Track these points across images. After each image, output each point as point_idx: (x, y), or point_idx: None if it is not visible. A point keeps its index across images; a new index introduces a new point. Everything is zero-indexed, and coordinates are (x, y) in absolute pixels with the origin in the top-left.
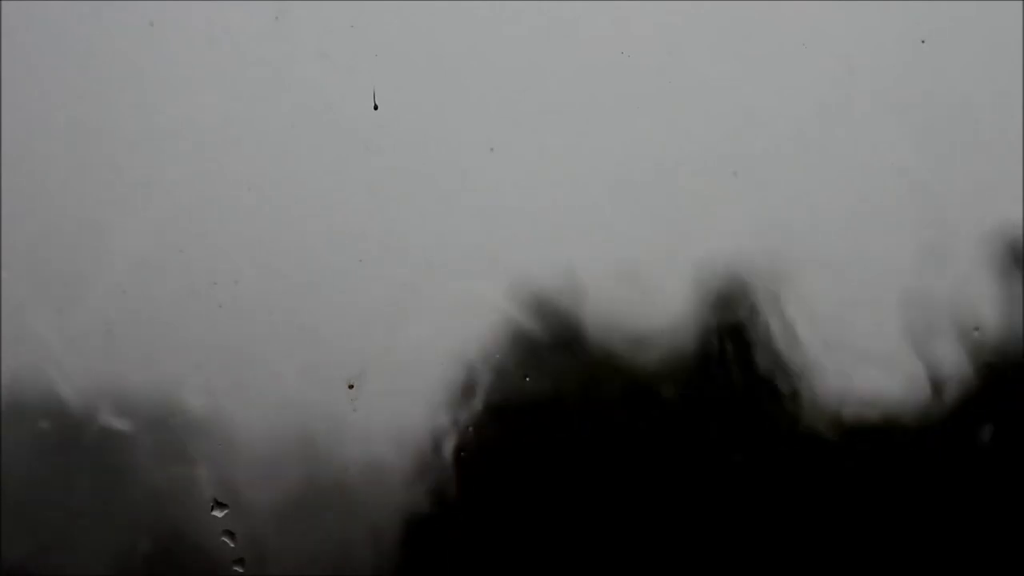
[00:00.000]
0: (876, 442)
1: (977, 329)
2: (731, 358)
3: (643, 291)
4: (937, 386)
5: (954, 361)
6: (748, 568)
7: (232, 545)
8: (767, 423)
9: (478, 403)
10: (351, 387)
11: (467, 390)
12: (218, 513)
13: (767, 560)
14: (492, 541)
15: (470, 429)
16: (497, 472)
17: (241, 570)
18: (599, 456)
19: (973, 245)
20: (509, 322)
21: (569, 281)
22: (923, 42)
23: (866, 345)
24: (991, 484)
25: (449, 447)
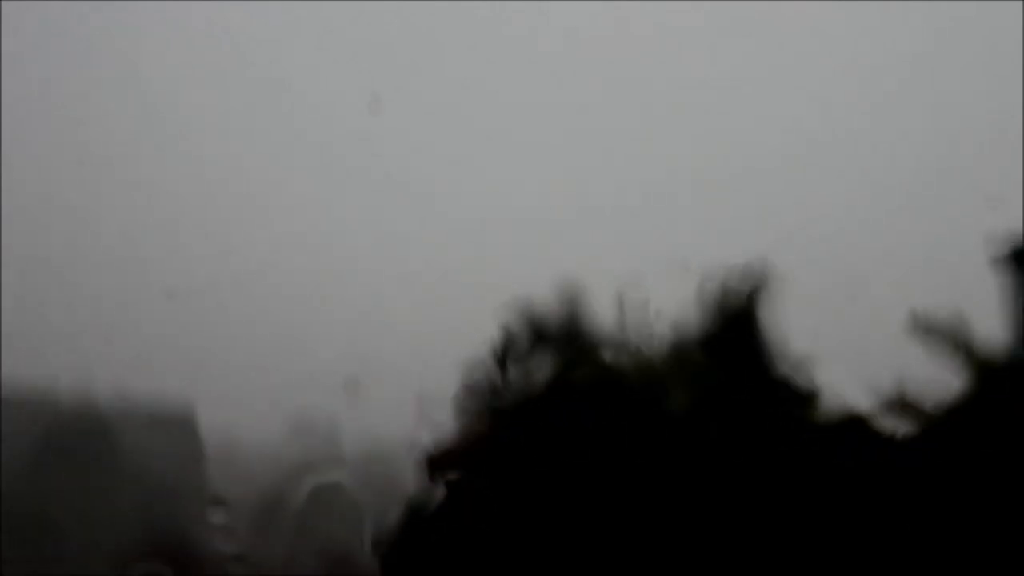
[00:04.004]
0: (874, 439)
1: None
2: (731, 357)
3: (642, 293)
4: (934, 384)
5: (952, 360)
6: (746, 564)
7: (230, 542)
8: (766, 422)
9: (477, 403)
10: (350, 388)
11: (465, 390)
12: (216, 511)
13: (765, 556)
14: (490, 538)
15: (468, 429)
16: (494, 471)
17: (239, 567)
18: (598, 455)
19: (974, 245)
20: (508, 324)
21: (568, 284)
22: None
23: (865, 344)
24: (988, 482)
25: (447, 447)
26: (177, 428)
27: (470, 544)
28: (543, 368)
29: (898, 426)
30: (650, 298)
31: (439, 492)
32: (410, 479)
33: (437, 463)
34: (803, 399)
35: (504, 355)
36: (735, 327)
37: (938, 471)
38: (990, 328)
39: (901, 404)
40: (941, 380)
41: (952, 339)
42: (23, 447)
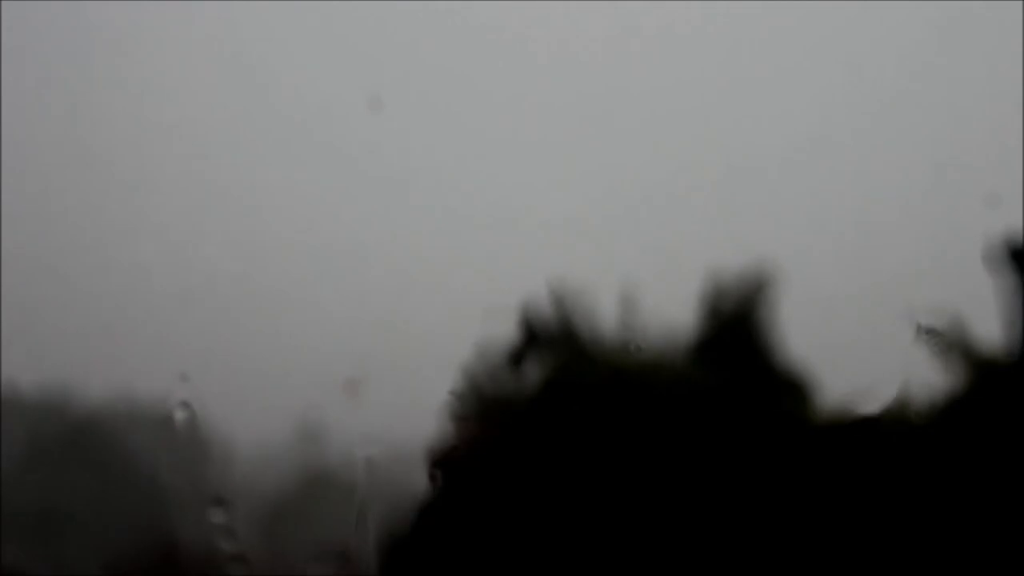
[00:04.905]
0: (871, 439)
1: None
2: (730, 358)
3: (641, 294)
4: (932, 385)
5: (951, 360)
6: (745, 563)
7: (230, 542)
8: (766, 422)
9: (477, 404)
10: (350, 388)
11: (466, 390)
12: (216, 511)
13: (764, 555)
14: (490, 539)
15: (468, 430)
16: (494, 470)
17: (239, 567)
18: (598, 455)
19: (974, 245)
20: (508, 324)
21: (568, 284)
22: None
23: (864, 344)
24: (987, 482)
25: (447, 447)
26: (177, 428)
27: (471, 545)
28: (543, 368)
29: (898, 426)
30: (650, 298)
31: (439, 493)
32: (410, 480)
33: (438, 463)
34: (803, 399)
35: (504, 355)
36: (735, 327)
37: (937, 471)
38: (990, 328)
39: (901, 404)
40: (941, 380)
41: (951, 339)
42: (23, 447)
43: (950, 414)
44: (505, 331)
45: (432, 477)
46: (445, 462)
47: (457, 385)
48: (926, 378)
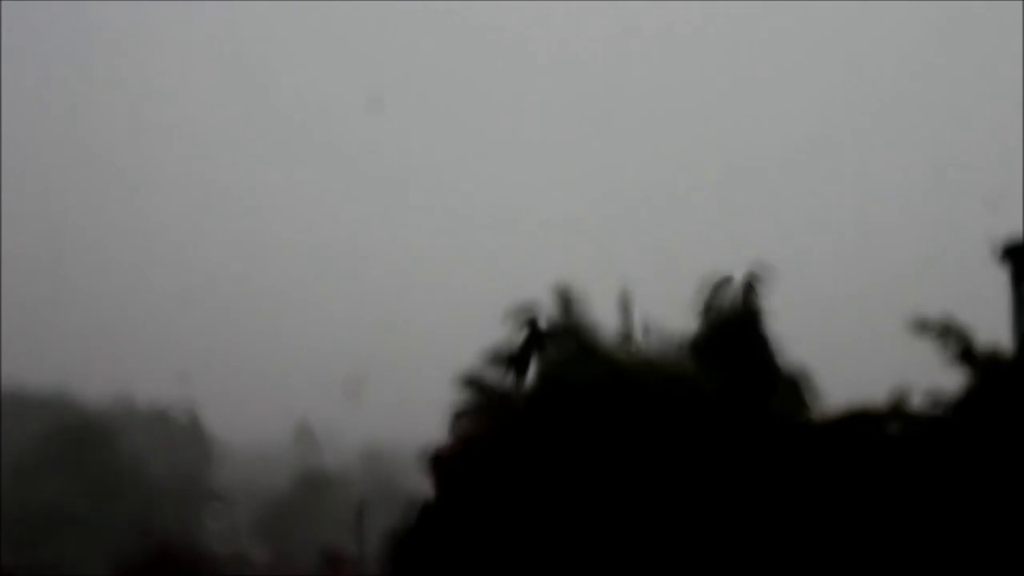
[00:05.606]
0: (871, 438)
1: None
2: (729, 356)
3: (641, 294)
4: (931, 384)
5: (952, 358)
6: (743, 561)
7: (230, 542)
8: (764, 420)
9: (478, 403)
10: (350, 388)
11: (467, 390)
12: (216, 511)
13: (762, 554)
14: (489, 536)
15: (470, 428)
16: (493, 468)
17: (239, 567)
18: (598, 452)
19: (974, 245)
20: (509, 323)
21: (568, 284)
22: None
23: (864, 344)
24: (987, 479)
25: (447, 445)
26: (178, 428)
27: (471, 541)
28: (542, 367)
29: (898, 425)
30: (650, 298)
31: (440, 491)
32: (410, 478)
33: (440, 462)
34: (803, 399)
35: (505, 354)
36: (734, 327)
37: (937, 470)
38: (990, 327)
39: (901, 403)
40: (942, 378)
41: (952, 337)
42: (24, 447)
43: (950, 413)
44: (505, 331)
45: (432, 476)
46: (445, 460)
47: (458, 384)
48: (926, 378)
